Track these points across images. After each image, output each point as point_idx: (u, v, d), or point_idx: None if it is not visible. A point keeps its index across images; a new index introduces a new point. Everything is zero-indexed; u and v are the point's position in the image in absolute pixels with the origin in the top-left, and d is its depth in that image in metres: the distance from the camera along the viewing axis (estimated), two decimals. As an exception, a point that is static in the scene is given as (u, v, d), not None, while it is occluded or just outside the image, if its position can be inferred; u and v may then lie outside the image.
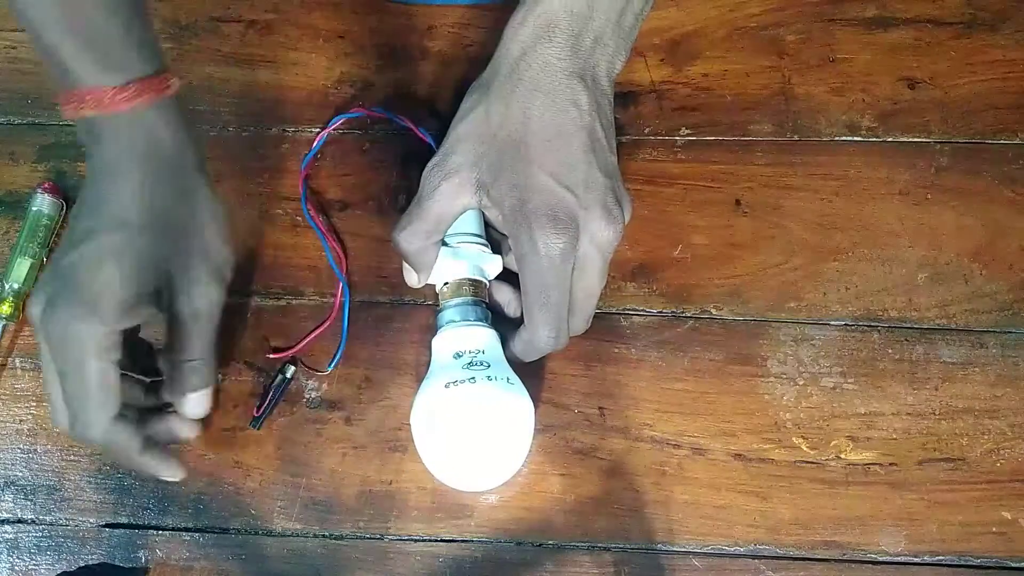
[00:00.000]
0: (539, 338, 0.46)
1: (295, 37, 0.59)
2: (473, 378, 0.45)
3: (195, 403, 0.45)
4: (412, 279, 0.49)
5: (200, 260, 0.44)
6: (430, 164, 0.48)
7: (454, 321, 0.47)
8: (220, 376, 0.51)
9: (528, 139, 0.45)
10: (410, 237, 0.47)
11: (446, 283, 0.49)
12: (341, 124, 0.56)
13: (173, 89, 0.44)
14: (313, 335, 0.52)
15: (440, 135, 0.49)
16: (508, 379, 0.46)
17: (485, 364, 0.46)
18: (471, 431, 0.45)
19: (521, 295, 0.46)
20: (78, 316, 0.41)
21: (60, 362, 0.42)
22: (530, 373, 0.49)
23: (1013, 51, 0.57)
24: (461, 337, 0.47)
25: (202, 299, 0.44)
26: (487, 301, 0.49)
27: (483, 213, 0.49)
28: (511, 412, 0.46)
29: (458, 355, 0.46)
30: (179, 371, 0.45)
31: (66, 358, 0.41)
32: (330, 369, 0.51)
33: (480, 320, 0.47)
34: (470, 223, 0.49)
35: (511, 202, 0.45)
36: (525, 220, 0.45)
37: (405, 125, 0.55)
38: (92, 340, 0.41)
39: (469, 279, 0.48)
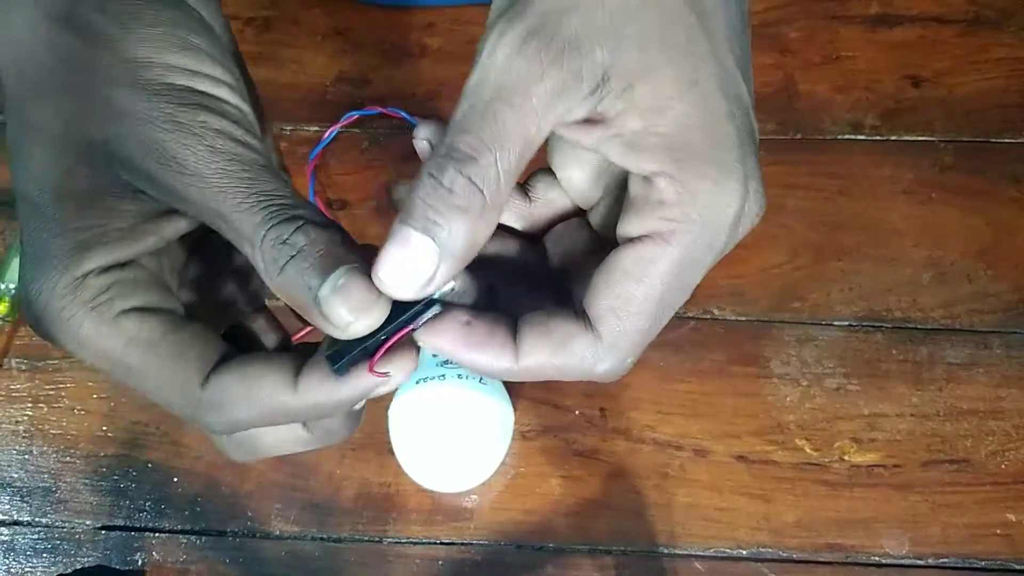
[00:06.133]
0: (617, 365, 0.26)
1: (293, 34, 0.59)
2: (443, 375, 0.45)
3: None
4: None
5: None
6: (512, 32, 0.24)
7: None
8: None
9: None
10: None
11: None
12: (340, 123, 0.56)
13: None
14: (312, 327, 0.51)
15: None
16: (481, 379, 0.46)
17: None
18: (436, 428, 0.45)
19: (604, 285, 0.26)
20: None
21: None
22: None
23: (1018, 49, 0.56)
24: None
25: None
26: None
27: None
28: (479, 411, 0.45)
29: (435, 354, 0.46)
30: None
31: None
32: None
33: None
34: None
35: (674, 120, 0.24)
36: (693, 161, 0.24)
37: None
38: None
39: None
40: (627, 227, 0.25)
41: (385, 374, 0.24)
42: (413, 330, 0.24)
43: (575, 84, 0.23)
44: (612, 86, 0.23)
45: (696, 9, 0.24)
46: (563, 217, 0.30)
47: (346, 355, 0.24)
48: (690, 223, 0.24)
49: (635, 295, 0.25)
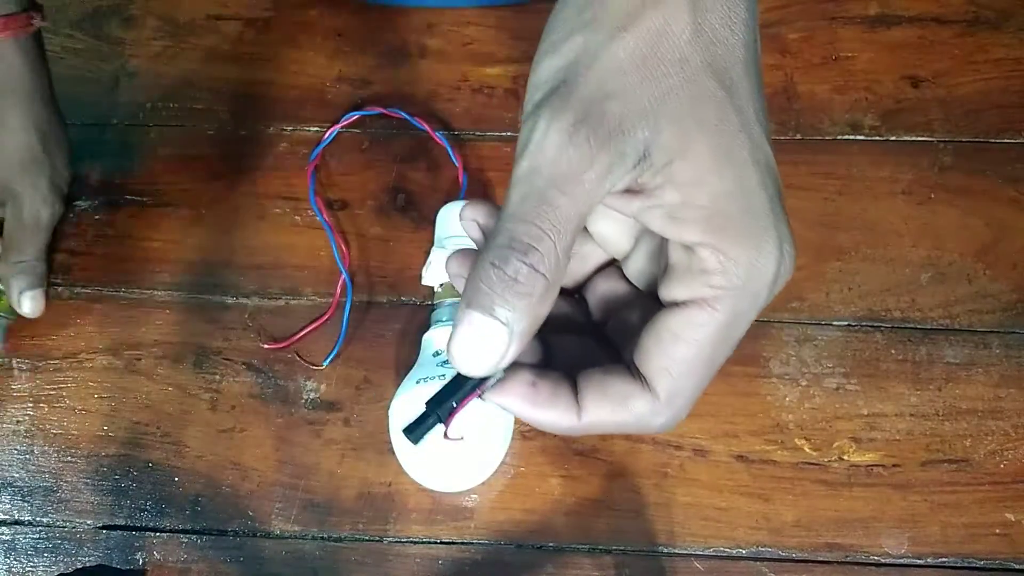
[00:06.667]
0: (672, 420, 0.28)
1: (293, 35, 0.59)
2: (443, 375, 0.45)
3: (28, 301, 0.51)
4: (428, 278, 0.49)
5: (42, 177, 0.51)
6: (561, 120, 0.25)
7: (441, 321, 0.47)
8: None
9: (732, 67, 0.25)
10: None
11: (442, 284, 0.48)
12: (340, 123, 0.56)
13: (35, 26, 0.48)
14: (314, 325, 0.51)
15: (454, 138, 0.49)
16: None
17: None
18: (436, 427, 0.45)
19: (657, 353, 0.27)
20: None
21: None
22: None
23: (1017, 49, 0.56)
24: (445, 336, 0.47)
25: (42, 210, 0.51)
26: None
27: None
28: (479, 411, 0.45)
29: (437, 353, 0.46)
30: (14, 272, 0.51)
31: None
32: (326, 363, 0.51)
33: None
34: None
35: (712, 194, 0.25)
36: (732, 231, 0.26)
37: (422, 127, 0.55)
38: None
39: None
40: (672, 292, 0.27)
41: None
42: (480, 394, 0.27)
43: (620, 162, 0.24)
44: (653, 161, 0.25)
45: (724, 85, 0.25)
46: (598, 269, 0.32)
47: (422, 424, 0.28)
48: (733, 289, 0.26)
49: (687, 357, 0.27)
